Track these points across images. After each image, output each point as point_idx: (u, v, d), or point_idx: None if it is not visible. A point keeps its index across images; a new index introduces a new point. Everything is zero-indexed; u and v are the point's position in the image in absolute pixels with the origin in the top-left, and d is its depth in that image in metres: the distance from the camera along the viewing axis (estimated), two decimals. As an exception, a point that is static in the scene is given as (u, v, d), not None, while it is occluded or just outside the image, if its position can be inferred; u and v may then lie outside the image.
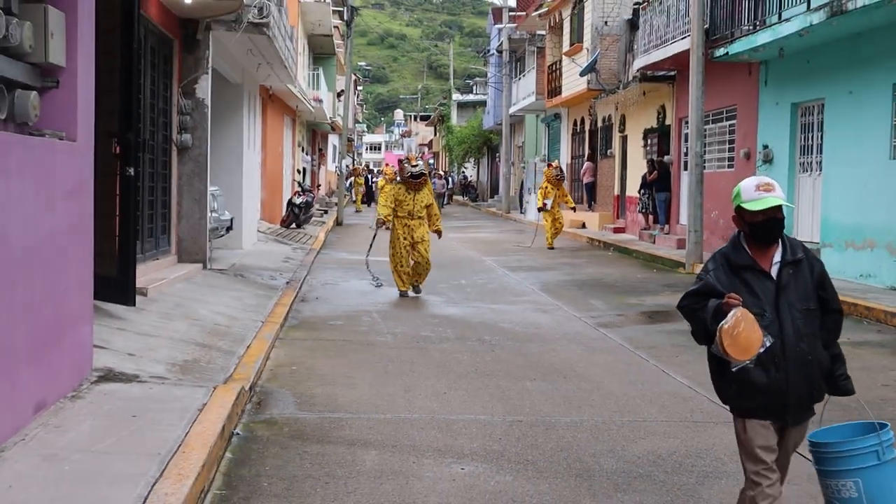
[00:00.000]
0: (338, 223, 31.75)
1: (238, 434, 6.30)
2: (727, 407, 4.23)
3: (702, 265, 17.48)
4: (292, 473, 5.54)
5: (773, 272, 4.07)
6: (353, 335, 10.36)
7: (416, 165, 13.69)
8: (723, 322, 3.87)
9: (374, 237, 15.19)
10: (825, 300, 4.13)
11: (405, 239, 13.51)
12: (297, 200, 26.30)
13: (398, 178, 14.29)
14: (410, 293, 13.62)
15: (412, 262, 13.63)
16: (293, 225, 25.85)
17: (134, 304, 8.84)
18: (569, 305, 12.96)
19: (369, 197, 45.79)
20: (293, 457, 5.86)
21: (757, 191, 4.10)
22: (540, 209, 22.67)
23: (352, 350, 9.47)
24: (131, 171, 8.53)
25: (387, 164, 37.57)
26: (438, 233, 13.94)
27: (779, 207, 4.07)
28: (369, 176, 50.25)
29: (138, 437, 5.52)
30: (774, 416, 4.06)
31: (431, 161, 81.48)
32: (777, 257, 4.11)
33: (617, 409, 7.28)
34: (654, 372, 8.69)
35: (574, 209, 25.98)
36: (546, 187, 22.72)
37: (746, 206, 4.10)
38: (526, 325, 11.32)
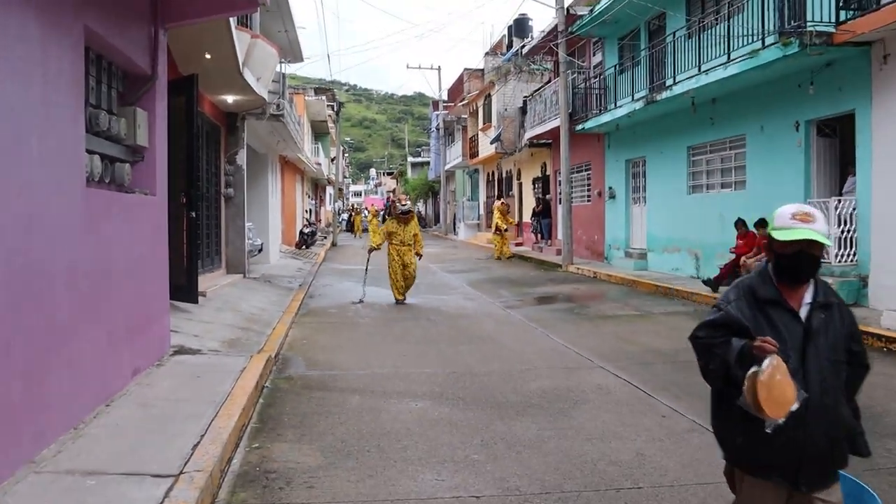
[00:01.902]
0: (333, 245, 31.47)
1: (267, 386, 6.25)
2: (725, 457, 2.57)
3: (564, 265, 17.92)
4: (303, 411, 5.51)
5: (803, 314, 2.46)
6: (343, 319, 10.28)
7: (406, 204, 12.02)
8: (756, 370, 2.28)
9: (368, 260, 13.23)
10: (856, 354, 2.51)
11: (398, 261, 11.89)
12: (306, 230, 26.11)
13: (388, 214, 13.07)
14: (402, 301, 11.90)
15: (402, 282, 11.94)
16: (303, 246, 25.63)
17: (197, 302, 8.73)
18: (486, 295, 12.99)
19: (353, 227, 45.08)
20: (304, 400, 5.81)
21: (792, 219, 2.46)
22: (504, 230, 21.82)
23: (343, 329, 9.40)
24: (194, 213, 8.44)
25: (372, 205, 37.46)
26: (419, 255, 12.12)
27: (814, 243, 2.43)
28: (352, 213, 49.75)
29: (201, 390, 5.48)
30: (784, 476, 2.41)
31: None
32: (808, 297, 2.49)
33: (517, 361, 7.30)
34: (541, 336, 8.75)
35: (516, 225, 25.18)
36: (500, 217, 21.95)
37: (776, 234, 2.49)
38: (458, 308, 11.33)
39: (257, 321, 9.17)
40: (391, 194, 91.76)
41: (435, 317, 10.41)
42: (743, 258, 11.28)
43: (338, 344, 8.28)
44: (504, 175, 30.38)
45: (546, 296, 12.93)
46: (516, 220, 27.98)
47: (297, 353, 7.74)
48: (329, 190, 56.67)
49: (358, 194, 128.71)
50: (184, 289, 8.34)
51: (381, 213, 39.41)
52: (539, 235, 23.92)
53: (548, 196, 23.58)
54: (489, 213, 33.02)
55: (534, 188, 25.76)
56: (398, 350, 7.90)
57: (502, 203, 22.82)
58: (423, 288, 14.21)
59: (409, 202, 12.35)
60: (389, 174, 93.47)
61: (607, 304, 11.69)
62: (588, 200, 20.15)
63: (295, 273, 16.31)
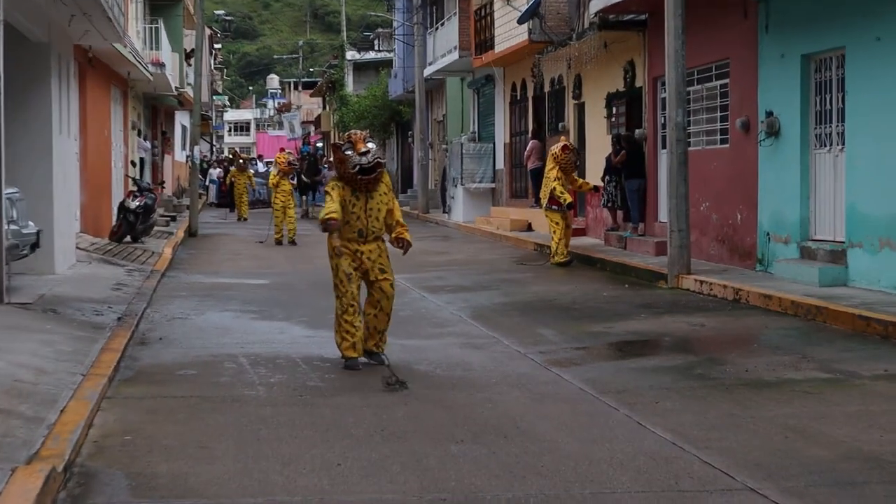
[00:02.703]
0: (191, 234, 31.38)
1: (48, 534, 6.15)
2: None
3: (672, 276, 17.73)
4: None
5: None
6: (211, 389, 10.18)
7: (367, 151, 11.09)
8: None
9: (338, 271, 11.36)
10: None
11: (353, 269, 11.26)
12: (133, 204, 25.92)
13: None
14: (363, 360, 11.29)
15: (369, 309, 11.40)
16: (127, 238, 25.47)
17: None
18: (509, 337, 12.94)
19: (232, 198, 44.55)
20: (126, 563, 5.74)
21: None
22: (566, 205, 21.58)
23: (210, 410, 9.30)
24: None
25: (281, 150, 37.08)
26: (403, 243, 11.48)
27: None
28: (228, 168, 49.49)
29: None
30: None
31: (320, 144, 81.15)
32: None
33: (576, 477, 7.24)
34: (626, 425, 8.68)
35: (597, 189, 24.38)
36: (561, 177, 21.63)
37: None
38: (451, 366, 11.25)
39: (28, 396, 9.04)
40: (314, 132, 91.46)
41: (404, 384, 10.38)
42: None
43: (199, 442, 8.21)
44: (548, 88, 30.35)
45: (635, 340, 12.91)
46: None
47: (114, 462, 7.66)
48: (182, 120, 56.55)
49: (243, 128, 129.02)
50: None
51: (297, 171, 38.96)
52: (621, 213, 23.79)
53: (638, 132, 23.56)
54: (520, 167, 32.93)
55: (609, 115, 25.74)
56: (326, 454, 7.84)
57: (563, 146, 22.05)
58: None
59: (372, 144, 11.35)
60: (309, 87, 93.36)
61: (764, 356, 11.65)
62: (723, 140, 20.09)
63: (110, 293, 16.24)
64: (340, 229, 11.16)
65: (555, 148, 22.20)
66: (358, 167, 10.99)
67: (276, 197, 29.33)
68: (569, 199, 21.55)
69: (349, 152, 11.07)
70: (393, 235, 11.46)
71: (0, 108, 13.44)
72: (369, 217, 11.21)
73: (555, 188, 21.48)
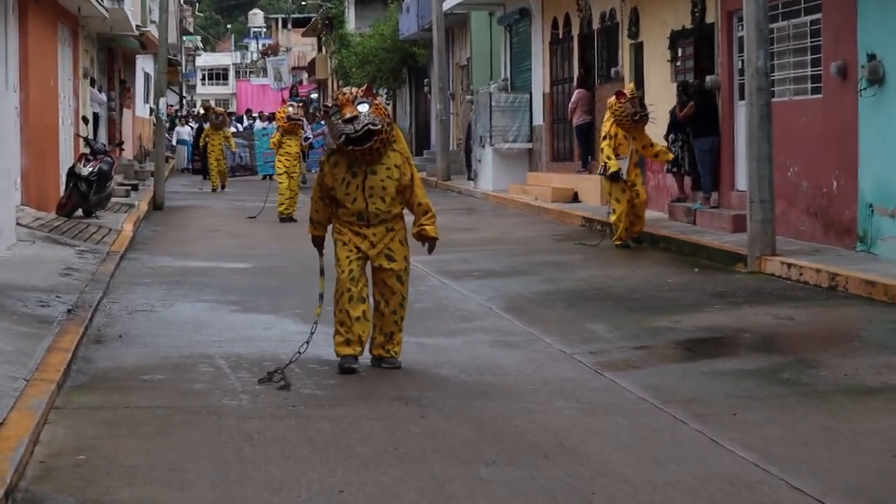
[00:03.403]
0: (156, 206, 31.41)
1: (-16, 577, 6.17)
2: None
3: (753, 258, 17.62)
4: None
5: None
6: (182, 398, 10.17)
7: (353, 118, 10.75)
8: None
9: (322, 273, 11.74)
10: None
11: (357, 260, 11.22)
12: (85, 170, 25.93)
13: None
14: (354, 364, 11.15)
15: (373, 303, 11.43)
16: (79, 212, 25.51)
17: None
18: (552, 334, 12.95)
19: (204, 165, 44.19)
20: None
21: None
22: (613, 177, 20.79)
23: (181, 424, 9.28)
24: None
25: (283, 103, 36.63)
26: (426, 239, 11.35)
27: None
28: (202, 126, 49.05)
29: None
30: None
31: (314, 97, 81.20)
32: None
33: (635, 508, 7.23)
34: (696, 442, 8.67)
35: (672, 157, 23.38)
36: (617, 135, 20.82)
37: None
38: (480, 369, 11.26)
39: (-43, 406, 9.04)
40: (306, 80, 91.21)
41: (420, 392, 10.41)
42: None
43: (169, 463, 8.21)
44: (597, 25, 30.30)
45: (707, 337, 12.94)
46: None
47: (65, 486, 7.66)
48: (145, 67, 56.64)
49: (219, 76, 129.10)
50: None
51: (309, 132, 37.97)
52: (686, 179, 23.72)
53: (709, 79, 23.49)
54: (563, 123, 32.90)
55: (672, 59, 25.71)
56: (327, 478, 7.84)
57: (618, 94, 21.22)
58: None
59: (365, 106, 10.98)
60: (300, 25, 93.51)
61: (866, 357, 11.65)
62: (815, 90, 20.03)
63: (58, 280, 16.31)
64: (339, 209, 11.15)
65: (612, 99, 21.28)
66: (343, 137, 10.80)
67: (278, 160, 28.90)
68: (614, 166, 20.54)
69: (335, 119, 10.89)
70: (414, 230, 11.30)
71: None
72: (369, 197, 11.01)
73: (602, 150, 21.00)
